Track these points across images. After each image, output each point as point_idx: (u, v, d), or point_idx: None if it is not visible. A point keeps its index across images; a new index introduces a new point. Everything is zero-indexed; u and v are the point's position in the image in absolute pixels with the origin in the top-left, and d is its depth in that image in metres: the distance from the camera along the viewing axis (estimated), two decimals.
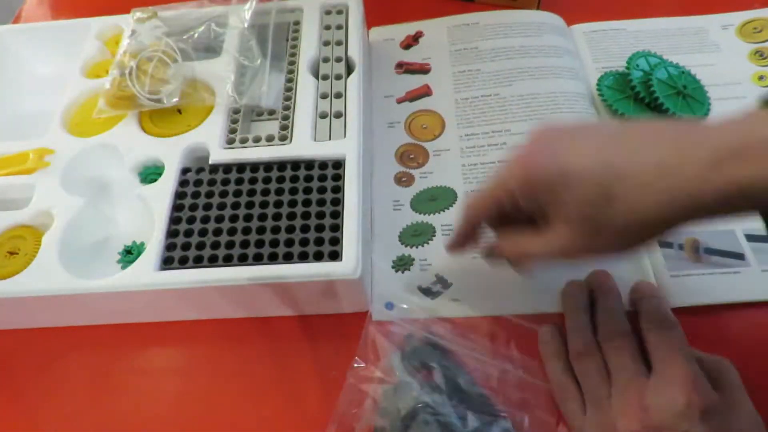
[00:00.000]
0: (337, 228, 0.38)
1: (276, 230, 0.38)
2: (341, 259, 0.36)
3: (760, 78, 0.50)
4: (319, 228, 0.38)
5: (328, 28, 0.49)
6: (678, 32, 0.54)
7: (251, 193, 0.40)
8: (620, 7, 0.57)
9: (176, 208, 0.40)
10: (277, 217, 0.39)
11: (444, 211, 0.43)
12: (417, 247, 0.42)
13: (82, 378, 0.39)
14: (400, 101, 0.51)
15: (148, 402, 0.38)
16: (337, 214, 0.38)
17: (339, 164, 0.41)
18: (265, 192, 0.40)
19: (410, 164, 0.46)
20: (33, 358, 0.41)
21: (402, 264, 0.41)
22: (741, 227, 0.41)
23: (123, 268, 0.38)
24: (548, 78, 0.50)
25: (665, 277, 0.39)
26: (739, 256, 0.40)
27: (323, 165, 0.41)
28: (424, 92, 0.51)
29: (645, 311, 0.35)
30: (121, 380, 0.39)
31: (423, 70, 0.53)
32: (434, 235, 0.42)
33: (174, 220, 0.39)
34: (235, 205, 0.39)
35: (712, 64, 0.51)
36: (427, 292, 0.40)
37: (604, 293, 0.37)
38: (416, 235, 0.42)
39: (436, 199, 0.44)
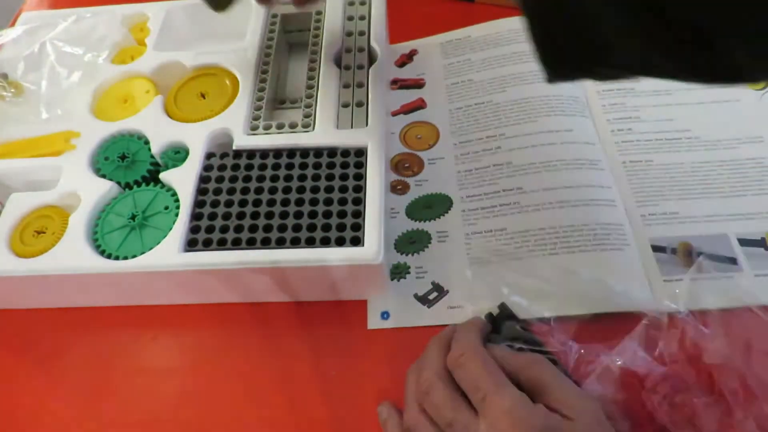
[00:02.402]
0: (359, 214, 0.38)
1: (298, 215, 0.39)
2: (363, 245, 0.37)
3: None
4: (341, 214, 0.38)
5: (350, 18, 0.49)
6: None
7: (274, 178, 0.41)
8: None
9: (200, 191, 0.40)
10: (299, 202, 0.39)
11: (439, 217, 0.44)
12: (413, 255, 0.42)
13: (96, 358, 0.40)
14: (394, 114, 0.51)
15: (165, 384, 0.39)
16: (359, 201, 0.39)
17: (361, 152, 0.41)
18: (288, 178, 0.40)
19: (405, 173, 0.47)
20: (50, 336, 0.41)
21: (398, 272, 0.41)
22: (734, 231, 0.41)
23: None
24: (541, 82, 0.48)
25: (658, 281, 0.39)
26: (732, 261, 0.40)
27: (345, 153, 0.41)
28: (418, 105, 0.51)
29: (448, 357, 0.33)
30: (135, 361, 0.40)
31: (417, 84, 0.53)
32: (430, 242, 0.42)
33: (198, 203, 0.40)
34: (259, 190, 0.40)
35: None
36: (423, 300, 0.40)
37: None
38: (412, 242, 0.42)
39: (432, 206, 0.44)
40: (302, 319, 0.40)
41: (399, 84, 0.53)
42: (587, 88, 0.51)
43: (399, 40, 0.56)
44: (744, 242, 0.41)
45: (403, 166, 0.47)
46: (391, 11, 0.52)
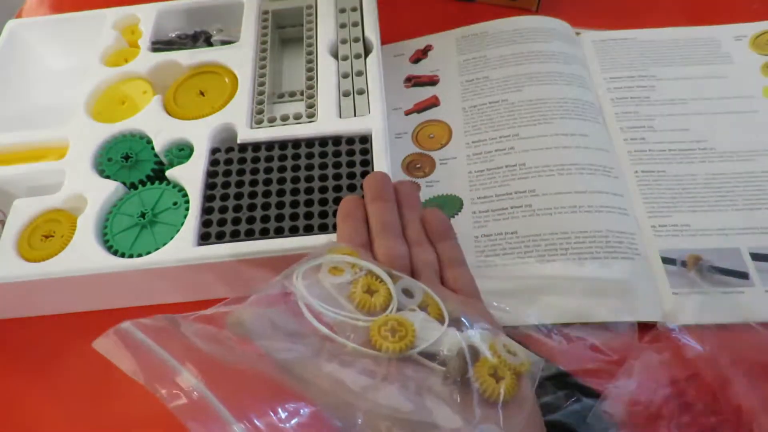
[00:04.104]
0: None
1: (309, 203, 0.39)
2: None
3: None
4: None
5: (343, 11, 0.50)
6: (689, 42, 0.53)
7: (282, 169, 0.41)
8: (627, 15, 0.56)
9: (209, 186, 0.41)
10: (309, 191, 0.40)
11: (450, 219, 0.43)
12: None
13: (95, 360, 0.39)
14: (408, 113, 0.50)
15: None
16: None
17: (366, 139, 0.42)
18: (296, 168, 0.41)
19: (417, 174, 0.46)
20: (48, 342, 0.41)
21: None
22: (747, 245, 0.40)
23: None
24: (558, 84, 0.49)
25: (668, 293, 0.39)
26: (743, 276, 0.39)
27: (350, 141, 0.42)
28: (432, 103, 0.51)
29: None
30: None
31: (431, 82, 0.52)
32: None
33: (208, 198, 0.40)
34: (267, 182, 0.40)
35: (723, 77, 0.50)
36: None
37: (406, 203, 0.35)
38: None
39: (443, 207, 0.44)
40: None
41: (413, 81, 0.52)
42: (600, 95, 0.50)
43: (414, 35, 0.56)
44: (756, 257, 0.39)
45: (415, 167, 0.47)
46: (389, 10, 0.52)
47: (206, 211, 0.39)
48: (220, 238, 0.38)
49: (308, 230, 0.38)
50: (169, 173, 0.42)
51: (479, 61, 0.53)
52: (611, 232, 0.41)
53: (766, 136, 0.46)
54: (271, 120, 0.43)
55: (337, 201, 0.39)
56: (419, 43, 0.56)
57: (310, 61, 0.47)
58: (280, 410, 0.24)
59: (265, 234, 0.38)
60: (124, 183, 0.42)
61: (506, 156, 0.46)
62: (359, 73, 0.45)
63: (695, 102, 0.49)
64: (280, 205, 0.39)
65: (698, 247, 0.41)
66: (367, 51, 0.47)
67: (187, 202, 0.40)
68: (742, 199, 0.43)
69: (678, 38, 0.53)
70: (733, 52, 0.52)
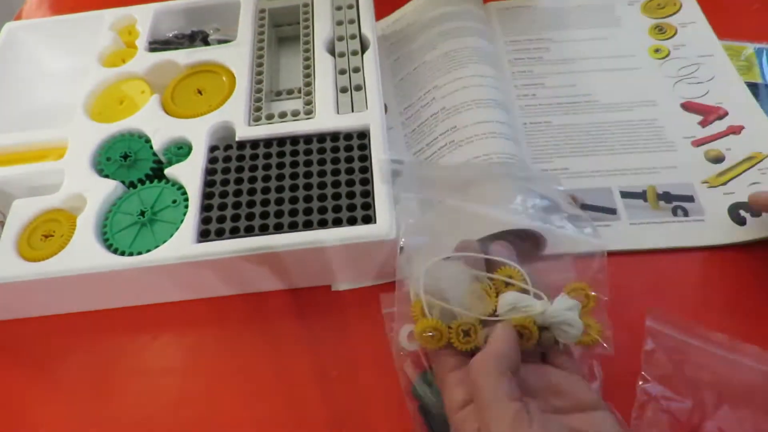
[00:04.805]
0: (367, 194, 0.39)
1: (308, 199, 0.39)
2: (375, 222, 0.37)
3: (656, 51, 0.52)
4: (350, 195, 0.39)
5: (339, 8, 0.50)
6: (586, 9, 0.57)
7: (280, 166, 0.41)
8: None
9: (208, 183, 0.41)
10: (308, 186, 0.40)
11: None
12: None
13: (96, 360, 0.40)
14: None
15: (165, 383, 0.39)
16: (367, 181, 0.39)
17: (363, 134, 0.42)
18: (294, 164, 0.41)
19: None
20: (48, 342, 0.41)
21: None
22: (617, 185, 0.44)
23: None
24: (471, 36, 0.52)
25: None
26: (612, 211, 0.43)
27: (348, 136, 0.42)
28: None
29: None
30: (135, 361, 0.40)
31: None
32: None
33: (207, 195, 0.40)
34: (266, 178, 0.40)
35: (612, 38, 0.54)
36: None
37: None
38: None
39: None
40: (305, 314, 0.41)
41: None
42: (501, 57, 0.53)
43: None
44: (625, 195, 0.44)
45: None
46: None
47: (205, 208, 0.40)
48: (220, 235, 0.38)
49: (307, 226, 0.38)
50: (167, 171, 0.42)
51: (402, 40, 0.56)
52: (515, 156, 0.44)
53: (645, 89, 0.50)
54: (269, 117, 0.43)
55: (336, 196, 0.39)
56: None
57: (307, 59, 0.47)
58: None
59: (264, 230, 0.38)
60: (123, 182, 0.42)
61: (429, 107, 0.49)
62: (356, 70, 0.45)
63: (584, 61, 0.53)
64: (279, 202, 0.39)
65: (576, 187, 0.44)
66: (364, 47, 0.47)
67: (187, 200, 0.40)
68: (619, 145, 0.46)
69: (579, 5, 0.57)
70: (624, 16, 0.56)
